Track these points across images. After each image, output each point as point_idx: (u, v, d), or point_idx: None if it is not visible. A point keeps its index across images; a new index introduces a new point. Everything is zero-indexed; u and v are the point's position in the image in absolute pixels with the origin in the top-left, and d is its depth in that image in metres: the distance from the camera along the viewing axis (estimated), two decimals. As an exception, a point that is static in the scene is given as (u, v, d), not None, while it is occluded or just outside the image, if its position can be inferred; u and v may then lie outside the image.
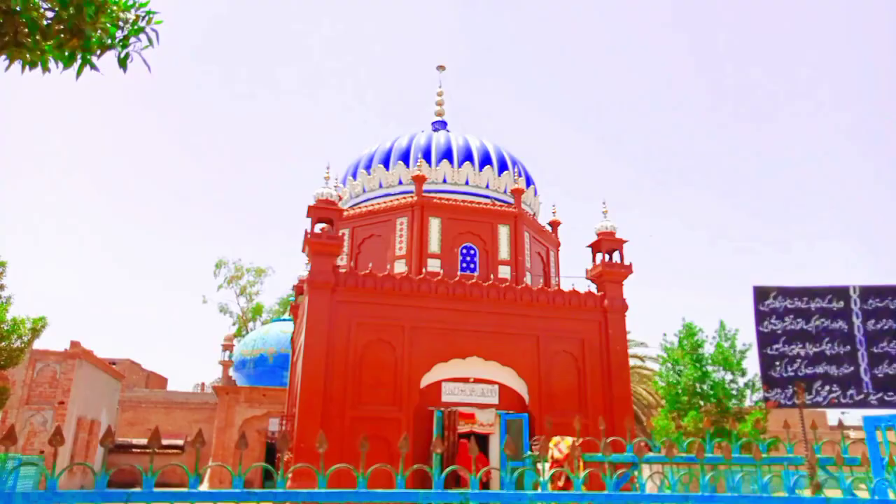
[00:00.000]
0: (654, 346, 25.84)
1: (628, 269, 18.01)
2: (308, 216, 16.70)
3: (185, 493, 3.27)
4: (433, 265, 17.87)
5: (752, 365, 17.86)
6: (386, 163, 20.41)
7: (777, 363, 4.83)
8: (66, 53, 3.68)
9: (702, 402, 17.13)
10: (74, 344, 21.94)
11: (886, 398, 4.72)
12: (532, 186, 21.38)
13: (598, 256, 18.52)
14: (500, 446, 15.49)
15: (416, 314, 16.09)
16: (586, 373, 16.78)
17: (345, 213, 18.42)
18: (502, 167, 20.55)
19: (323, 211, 16.63)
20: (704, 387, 17.19)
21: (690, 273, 77.92)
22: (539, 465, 7.66)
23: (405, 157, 20.22)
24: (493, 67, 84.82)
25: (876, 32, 69.24)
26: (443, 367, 16.03)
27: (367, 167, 20.78)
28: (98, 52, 3.74)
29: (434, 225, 18.59)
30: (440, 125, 22.76)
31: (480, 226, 19.00)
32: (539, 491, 3.67)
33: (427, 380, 15.89)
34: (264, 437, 24.72)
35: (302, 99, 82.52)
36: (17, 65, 3.68)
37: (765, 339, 4.89)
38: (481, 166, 20.21)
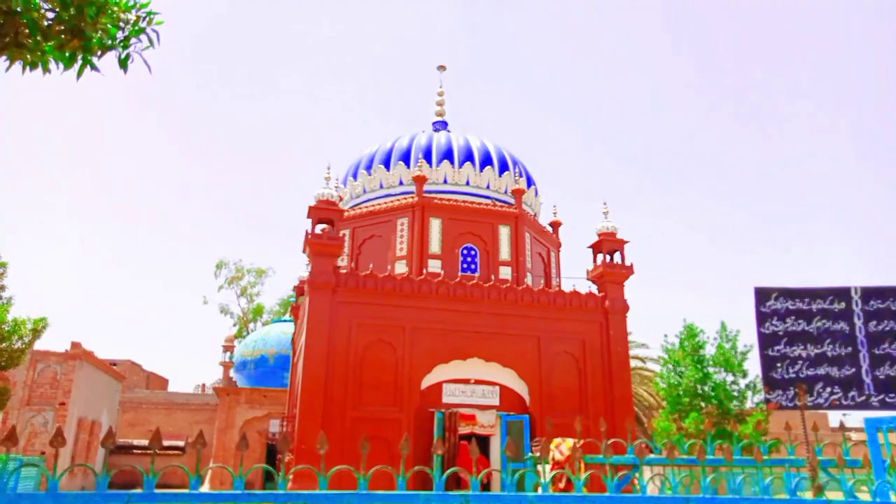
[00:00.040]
0: (655, 348, 25.80)
1: (629, 270, 18.01)
2: (309, 217, 16.70)
3: (187, 494, 3.27)
4: (434, 266, 17.87)
5: (753, 366, 17.85)
6: (387, 163, 20.42)
7: (778, 364, 4.82)
8: (67, 54, 3.68)
9: (703, 404, 17.11)
10: (75, 345, 21.95)
11: (888, 400, 4.71)
12: (533, 187, 21.39)
13: (599, 257, 18.52)
14: (500, 448, 15.48)
15: (416, 315, 16.09)
16: (587, 374, 16.77)
17: (345, 214, 18.43)
18: (503, 167, 20.56)
19: (323, 211, 16.63)
20: (706, 388, 17.17)
21: (691, 274, 77.92)
22: (540, 467, 7.65)
23: (406, 158, 20.23)
24: (493, 68, 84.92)
25: (876, 32, 69.27)
26: (443, 368, 16.02)
27: (368, 167, 20.78)
28: (99, 52, 3.73)
29: (435, 225, 18.59)
30: (441, 125, 22.77)
31: (481, 226, 19.00)
32: (540, 493, 3.66)
33: (428, 381, 15.89)
34: (265, 438, 24.71)
35: (302, 99, 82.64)
36: (17, 65, 3.68)
37: (766, 341, 4.89)
38: (482, 167, 20.21)
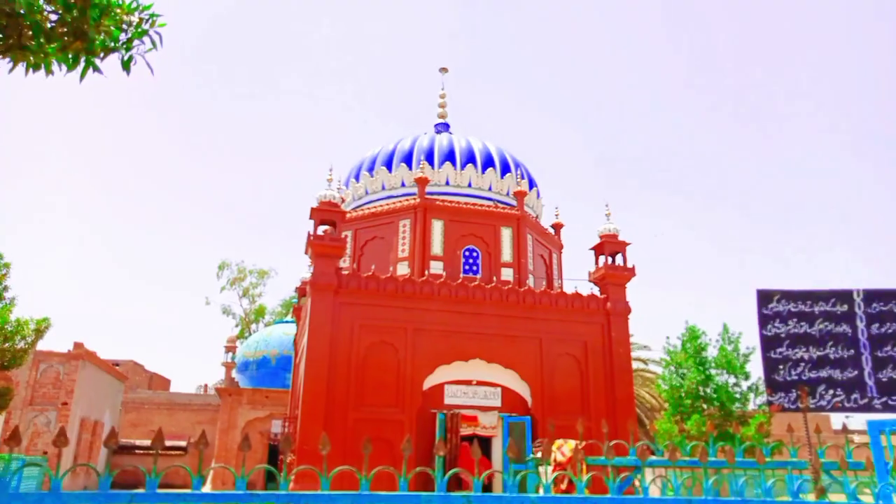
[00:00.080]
0: (657, 350, 25.77)
1: (631, 272, 18.00)
2: (311, 218, 16.72)
3: (189, 494, 3.27)
4: (436, 267, 17.88)
5: (755, 368, 17.82)
6: (389, 165, 20.44)
7: (781, 367, 4.82)
8: (70, 56, 3.69)
9: (705, 406, 17.07)
10: (78, 345, 21.98)
11: (891, 402, 4.70)
12: (535, 189, 21.39)
13: (601, 259, 18.51)
14: (502, 449, 15.47)
15: (418, 316, 16.10)
16: (589, 376, 16.76)
17: (347, 215, 18.44)
18: (505, 169, 20.56)
19: (326, 213, 16.65)
20: (708, 390, 17.12)
21: (693, 276, 77.82)
22: (542, 468, 7.65)
23: (408, 160, 20.24)
24: (494, 69, 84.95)
25: (876, 32, 69.18)
26: (445, 369, 16.03)
27: (370, 169, 20.80)
28: (101, 54, 3.74)
29: (437, 227, 18.60)
30: (443, 127, 22.79)
31: (483, 228, 19.00)
32: (542, 494, 3.66)
33: (430, 382, 15.89)
34: (267, 438, 24.73)
35: (303, 99, 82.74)
36: (20, 67, 3.69)
37: (768, 343, 4.88)
38: (484, 168, 20.22)
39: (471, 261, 18.72)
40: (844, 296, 4.97)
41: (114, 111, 74.55)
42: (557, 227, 21.92)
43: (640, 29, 77.79)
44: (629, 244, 18.52)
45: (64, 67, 3.73)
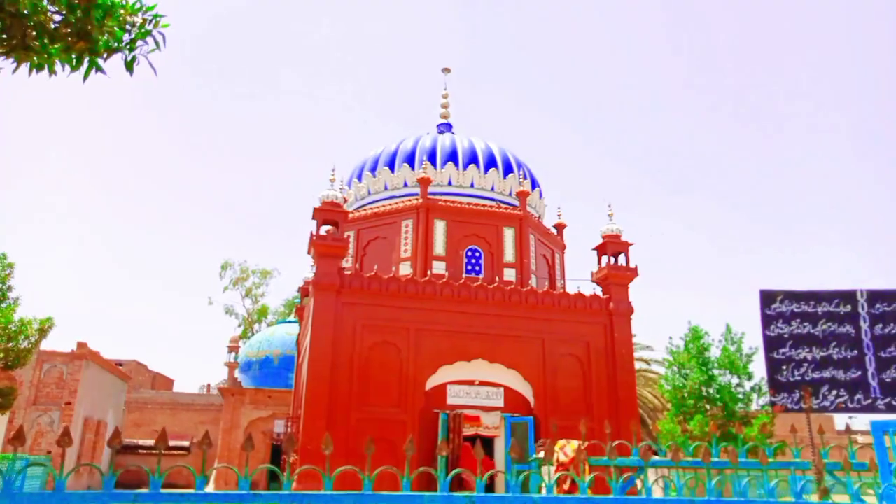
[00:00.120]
0: (660, 350, 25.75)
1: (634, 272, 17.97)
2: (313, 218, 16.73)
3: (192, 494, 3.28)
4: (438, 267, 17.87)
5: (758, 369, 17.78)
6: (391, 165, 20.44)
7: (784, 367, 4.81)
8: (74, 57, 3.70)
9: (708, 406, 17.07)
10: (81, 345, 22.03)
11: (894, 403, 4.69)
12: (537, 189, 21.38)
13: (604, 259, 18.49)
14: (505, 449, 15.47)
15: (421, 316, 16.10)
16: (592, 376, 16.74)
17: (350, 216, 18.45)
18: (507, 169, 20.56)
19: (328, 213, 16.66)
20: (710, 390, 17.12)
21: (695, 276, 77.72)
22: (544, 469, 7.65)
23: (410, 160, 20.25)
24: (497, 70, 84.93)
25: (876, 32, 69.01)
26: (448, 369, 16.02)
27: (373, 169, 20.81)
28: (105, 55, 3.75)
29: (439, 227, 18.60)
30: (445, 127, 22.78)
31: (485, 228, 18.99)
32: (545, 494, 3.66)
33: (432, 382, 15.88)
34: (270, 438, 24.75)
35: (306, 100, 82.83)
36: (23, 67, 3.70)
37: (771, 343, 4.87)
38: (486, 168, 20.22)
39: (473, 261, 18.72)
40: (848, 296, 4.96)
41: (116, 111, 74.74)
42: (560, 227, 21.90)
43: (641, 29, 77.76)
44: (632, 244, 18.50)
45: (67, 68, 3.74)
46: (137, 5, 3.72)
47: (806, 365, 4.80)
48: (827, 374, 4.78)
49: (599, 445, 5.94)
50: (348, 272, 16.51)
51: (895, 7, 63.74)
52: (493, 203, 19.66)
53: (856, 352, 4.82)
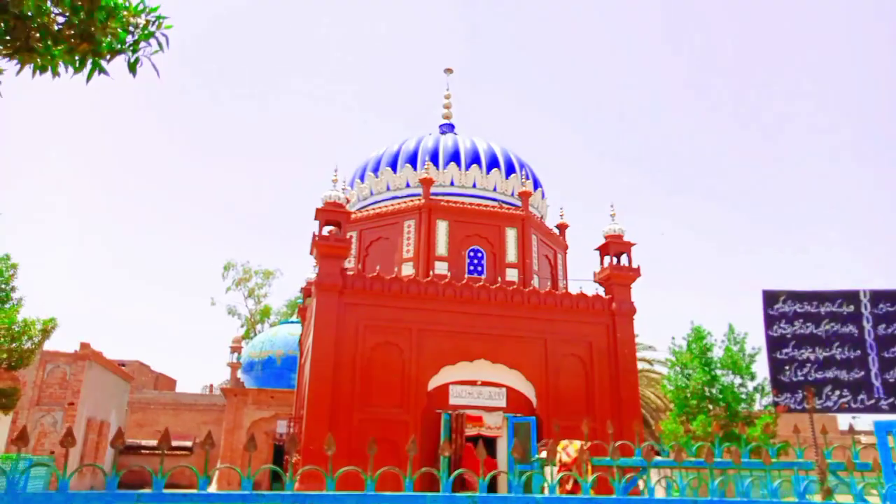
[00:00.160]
0: (663, 350, 25.79)
1: (636, 272, 17.95)
2: (316, 219, 16.74)
3: (195, 494, 3.28)
4: (440, 268, 17.88)
5: (761, 369, 17.74)
6: (393, 165, 20.45)
7: (787, 367, 4.80)
8: (77, 58, 3.71)
9: (711, 406, 17.03)
10: (84, 345, 22.07)
11: (898, 403, 4.68)
12: (539, 189, 21.37)
13: (606, 259, 18.47)
14: (507, 449, 15.46)
15: (423, 317, 16.10)
16: (594, 376, 16.73)
17: (352, 216, 18.46)
18: (510, 170, 20.56)
19: (331, 213, 16.67)
20: (713, 390, 17.08)
21: (698, 276, 77.63)
22: (547, 469, 7.64)
23: (413, 160, 20.26)
24: (499, 70, 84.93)
25: (880, 34, 68.85)
26: (450, 369, 16.02)
27: (375, 170, 20.83)
28: (108, 56, 3.76)
29: (441, 228, 18.61)
30: (448, 128, 22.79)
31: (488, 228, 19.00)
32: (547, 494, 3.66)
33: (434, 382, 15.88)
34: (272, 438, 24.77)
35: (308, 101, 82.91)
36: (27, 69, 3.71)
37: (774, 344, 4.87)
38: (489, 169, 20.22)
39: (475, 261, 18.72)
40: (851, 296, 4.96)
41: (118, 111, 74.88)
42: (562, 227, 21.89)
43: (642, 29, 77.70)
44: (634, 244, 18.47)
45: (70, 69, 3.75)
46: (140, 7, 3.73)
47: (809, 365, 4.79)
48: (830, 374, 4.77)
49: (602, 446, 5.94)
50: (351, 273, 16.51)
51: (895, 7, 63.62)
52: (495, 203, 19.66)
53: (859, 352, 4.81)
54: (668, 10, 76.90)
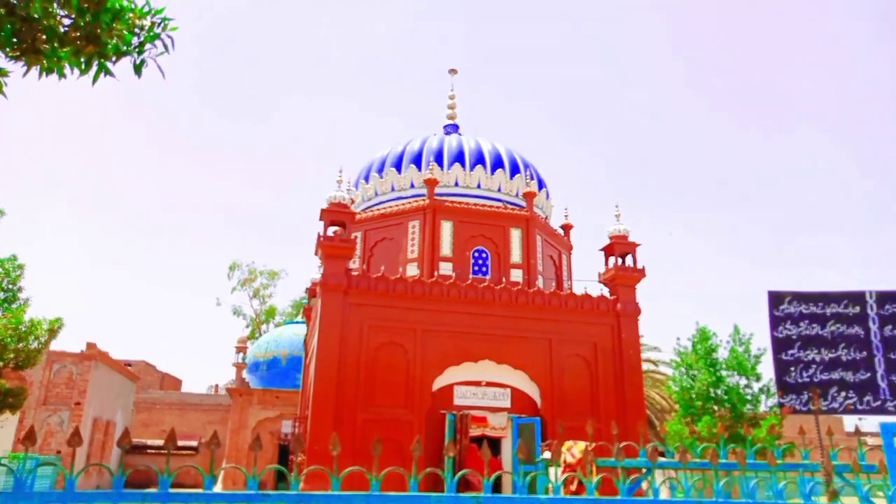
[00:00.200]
0: (668, 351, 25.67)
1: (641, 273, 17.91)
2: (321, 219, 16.77)
3: (201, 494, 3.30)
4: (445, 268, 17.88)
5: (766, 370, 17.70)
6: (398, 166, 20.47)
7: (792, 368, 4.79)
8: (83, 60, 3.73)
9: (716, 407, 16.98)
10: (90, 345, 22.16)
11: (904, 404, 4.65)
12: (544, 189, 21.35)
13: (611, 260, 18.44)
14: (512, 450, 15.45)
15: (428, 317, 16.10)
16: (599, 377, 16.69)
17: (357, 217, 18.48)
18: (514, 170, 20.54)
19: (335, 214, 16.69)
20: (718, 391, 17.03)
21: (704, 277, 77.41)
22: (551, 470, 7.63)
23: (417, 161, 20.27)
24: (502, 71, 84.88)
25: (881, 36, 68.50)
26: (455, 370, 16.02)
27: (380, 170, 20.85)
28: (114, 58, 3.78)
29: (446, 228, 18.61)
30: (452, 128, 22.79)
31: (492, 229, 18.99)
32: (552, 495, 3.66)
33: (439, 383, 15.88)
34: (277, 438, 24.81)
35: (314, 101, 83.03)
36: (33, 70, 3.73)
37: (780, 345, 4.85)
38: (493, 169, 20.21)
39: (480, 262, 18.72)
40: (857, 297, 4.94)
41: (125, 114, 75.16)
42: (567, 227, 21.87)
43: (647, 31, 77.54)
44: (639, 245, 18.43)
45: (76, 71, 3.77)
46: (146, 9, 3.75)
47: (814, 366, 4.77)
48: (836, 375, 4.75)
49: (606, 446, 5.93)
50: (355, 273, 16.53)
51: (895, 7, 63.30)
52: (499, 204, 19.65)
53: (865, 353, 4.79)
54: (673, 12, 76.78)
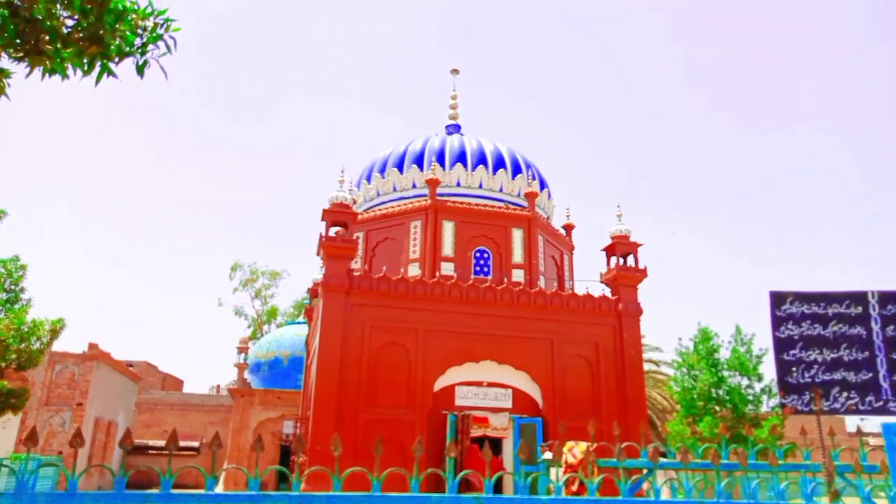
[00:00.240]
0: (669, 351, 25.65)
1: (643, 273, 17.90)
2: (322, 219, 16.78)
3: (203, 494, 3.30)
4: (447, 269, 17.88)
5: (768, 370, 17.66)
6: (400, 166, 20.48)
7: (794, 369, 4.78)
8: (86, 61, 3.74)
9: (717, 408, 16.96)
10: (92, 346, 22.18)
11: (906, 405, 4.65)
12: (546, 190, 21.34)
13: (613, 260, 18.43)
14: (513, 450, 15.44)
15: (429, 317, 16.10)
16: (600, 377, 16.69)
17: (359, 217, 18.49)
18: (516, 170, 20.54)
19: (337, 214, 16.70)
20: (720, 392, 17.01)
21: (705, 277, 77.34)
22: (553, 470, 7.63)
23: (419, 161, 20.28)
24: (505, 71, 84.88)
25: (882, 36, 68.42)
26: (456, 370, 16.02)
27: (382, 171, 20.86)
28: (117, 59, 3.79)
29: (448, 228, 18.61)
30: (454, 129, 22.80)
31: (494, 229, 18.99)
32: (553, 496, 3.66)
33: (441, 383, 15.88)
34: (279, 439, 24.83)
35: (315, 101, 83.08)
36: (36, 71, 3.74)
37: (781, 345, 4.85)
38: (495, 170, 20.21)
39: (482, 262, 18.72)
40: (859, 297, 4.93)
41: (127, 114, 75.25)
42: (568, 227, 21.86)
43: (648, 30, 77.51)
44: (641, 245, 18.42)
45: (79, 72, 3.78)
46: (149, 9, 3.76)
47: (816, 366, 4.77)
48: (838, 375, 4.75)
49: (608, 447, 5.93)
50: (357, 273, 16.54)
51: (895, 7, 63.23)
52: (501, 204, 19.66)
53: (867, 353, 4.79)
54: (675, 11, 76.74)
